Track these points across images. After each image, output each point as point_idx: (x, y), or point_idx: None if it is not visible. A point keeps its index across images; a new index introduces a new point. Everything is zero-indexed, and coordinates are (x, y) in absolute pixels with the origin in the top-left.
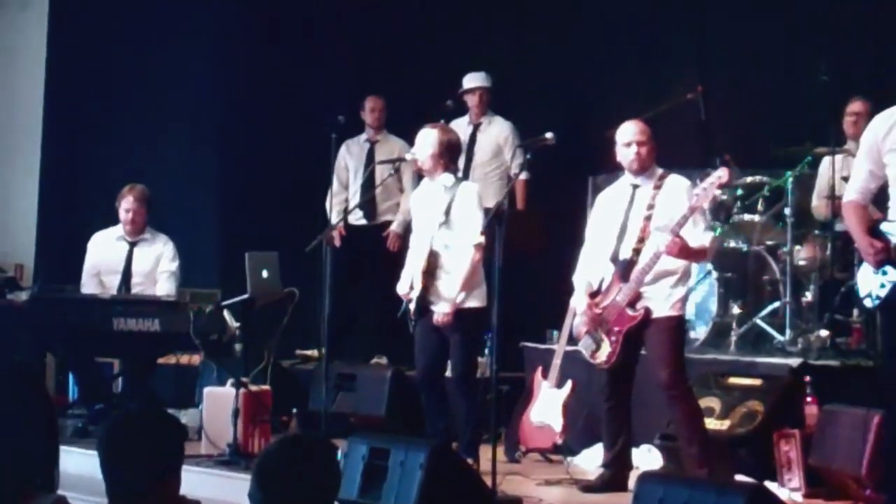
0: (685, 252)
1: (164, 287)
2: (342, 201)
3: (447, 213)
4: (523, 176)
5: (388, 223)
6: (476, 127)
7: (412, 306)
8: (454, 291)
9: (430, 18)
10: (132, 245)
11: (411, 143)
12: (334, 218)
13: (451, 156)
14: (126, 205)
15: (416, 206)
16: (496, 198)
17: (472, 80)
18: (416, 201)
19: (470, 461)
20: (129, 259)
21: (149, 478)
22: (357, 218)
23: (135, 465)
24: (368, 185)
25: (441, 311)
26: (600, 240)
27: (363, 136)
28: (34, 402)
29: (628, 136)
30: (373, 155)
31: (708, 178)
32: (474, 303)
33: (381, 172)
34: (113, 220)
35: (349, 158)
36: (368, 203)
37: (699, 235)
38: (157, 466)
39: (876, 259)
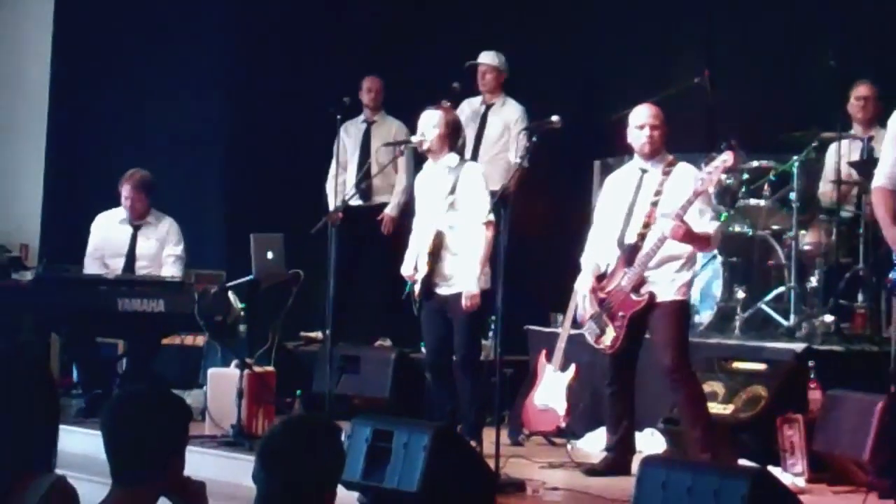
0: (689, 236)
1: (170, 271)
2: (341, 182)
3: (452, 193)
4: (525, 164)
5: (384, 205)
6: (488, 108)
7: (417, 287)
8: (468, 273)
9: (435, 2)
10: (136, 228)
11: (410, 124)
12: (331, 198)
13: (456, 137)
14: (125, 192)
15: (420, 187)
16: (502, 180)
17: (481, 57)
18: (419, 183)
19: (473, 444)
20: (133, 243)
21: (153, 459)
22: (352, 199)
23: (139, 445)
24: (365, 165)
25: (468, 294)
26: (608, 223)
27: (361, 118)
28: (37, 383)
29: (642, 119)
30: (369, 136)
31: (713, 162)
32: (479, 285)
33: (382, 154)
34: (118, 200)
35: (347, 139)
36: (364, 184)
37: (704, 223)
38: (161, 447)
39: None
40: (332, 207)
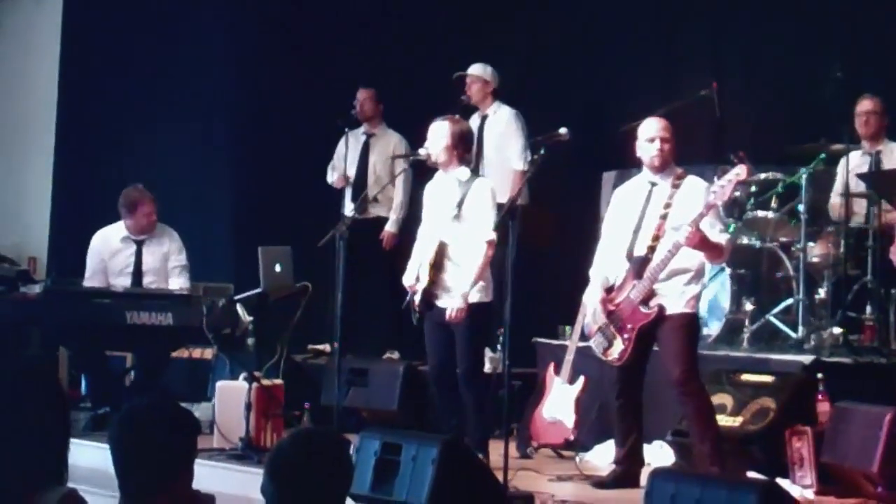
0: (704, 244)
1: (178, 282)
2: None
3: (459, 206)
4: (522, 167)
5: (380, 217)
6: (483, 119)
7: (416, 298)
8: (464, 286)
9: (444, 12)
10: (139, 244)
11: (413, 137)
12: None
13: (465, 147)
14: (147, 208)
15: (429, 197)
16: (505, 190)
17: (469, 69)
18: (429, 192)
19: (480, 456)
20: (139, 258)
21: (161, 472)
22: (349, 210)
23: (147, 459)
24: (362, 177)
25: (453, 307)
26: (616, 235)
27: (361, 129)
28: (47, 396)
29: (651, 132)
30: (368, 148)
31: (726, 175)
32: (479, 297)
33: (379, 167)
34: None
35: (349, 151)
36: (361, 195)
37: (715, 235)
38: (169, 461)
39: None
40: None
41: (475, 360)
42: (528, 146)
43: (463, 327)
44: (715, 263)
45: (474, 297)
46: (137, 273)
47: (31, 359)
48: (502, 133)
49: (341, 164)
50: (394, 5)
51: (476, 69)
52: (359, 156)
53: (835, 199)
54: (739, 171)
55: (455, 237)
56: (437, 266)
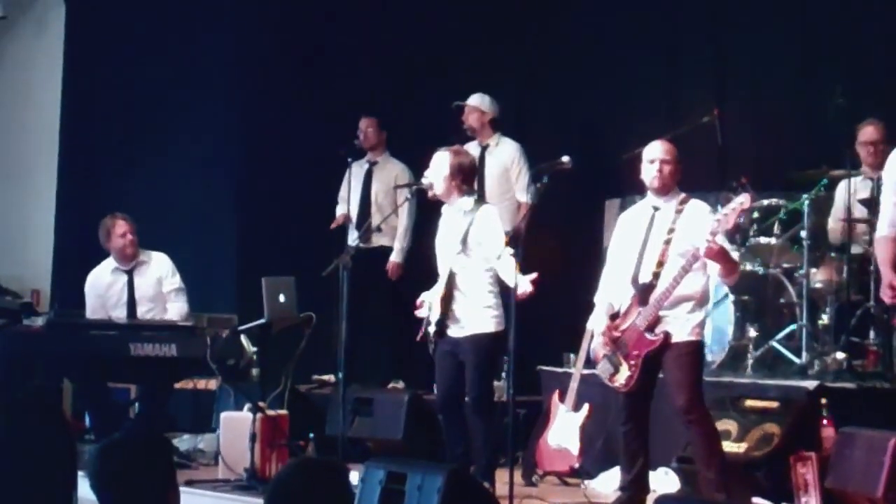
0: (723, 255)
1: (176, 306)
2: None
3: (465, 235)
4: (528, 200)
5: (383, 247)
6: (484, 149)
7: (431, 329)
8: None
9: (444, 41)
10: (130, 273)
11: (415, 166)
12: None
13: (465, 177)
14: (121, 229)
15: (440, 230)
16: (512, 221)
17: (468, 99)
18: (440, 226)
19: (487, 485)
20: (131, 287)
21: (148, 500)
22: (352, 240)
23: (129, 492)
24: (365, 207)
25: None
26: (621, 261)
27: (365, 158)
28: (53, 429)
29: (653, 154)
30: (370, 177)
31: (730, 204)
32: (490, 327)
33: (382, 196)
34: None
35: (353, 180)
36: (364, 225)
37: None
38: (153, 487)
39: (891, 301)
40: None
41: (485, 390)
42: (532, 176)
43: (473, 356)
44: (727, 281)
45: (487, 327)
46: (131, 302)
47: (36, 391)
48: (508, 168)
49: (347, 195)
50: (395, 34)
51: (474, 100)
52: (361, 185)
53: (833, 224)
54: (743, 200)
55: (463, 267)
56: (447, 299)
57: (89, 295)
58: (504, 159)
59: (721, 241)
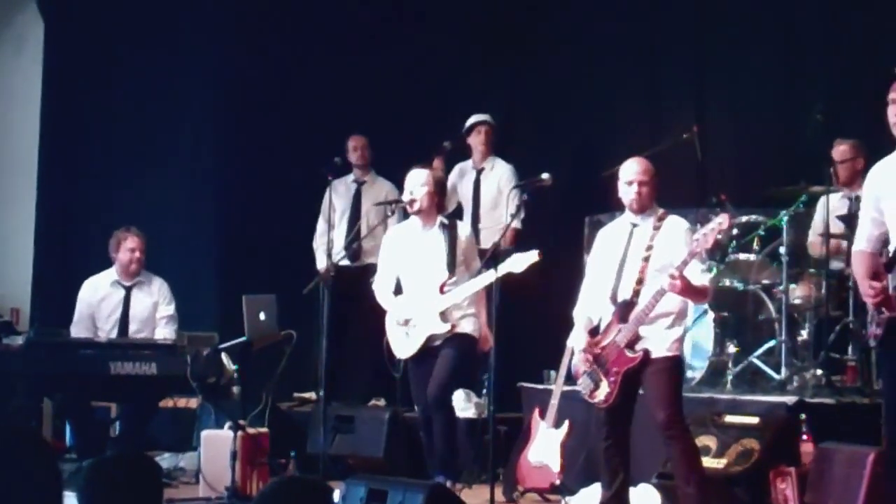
0: (688, 290)
1: (164, 332)
2: (328, 241)
3: (452, 254)
4: (515, 224)
5: (371, 265)
6: (479, 172)
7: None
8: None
9: (428, 60)
10: (128, 289)
11: (400, 184)
12: (318, 256)
13: (443, 194)
14: (131, 244)
15: (402, 247)
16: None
17: (477, 116)
18: (401, 244)
19: (449, 483)
20: (127, 304)
21: None
22: (340, 258)
23: None
24: (355, 225)
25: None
26: (600, 277)
27: (350, 177)
28: (33, 450)
29: (630, 175)
30: (360, 196)
31: (708, 224)
32: (469, 328)
33: (372, 215)
34: (108, 263)
35: (336, 198)
36: (354, 243)
37: (698, 278)
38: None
39: (874, 301)
40: (319, 265)
41: (448, 382)
42: (511, 193)
43: (451, 349)
44: (699, 304)
45: (467, 328)
46: (124, 320)
47: (14, 412)
48: (500, 187)
49: (330, 215)
50: (379, 53)
51: (486, 116)
52: (351, 204)
53: (813, 238)
54: (721, 221)
55: (453, 282)
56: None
57: (81, 302)
58: (498, 181)
59: (692, 267)
